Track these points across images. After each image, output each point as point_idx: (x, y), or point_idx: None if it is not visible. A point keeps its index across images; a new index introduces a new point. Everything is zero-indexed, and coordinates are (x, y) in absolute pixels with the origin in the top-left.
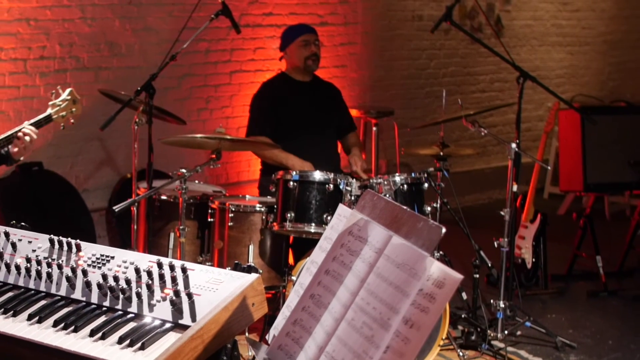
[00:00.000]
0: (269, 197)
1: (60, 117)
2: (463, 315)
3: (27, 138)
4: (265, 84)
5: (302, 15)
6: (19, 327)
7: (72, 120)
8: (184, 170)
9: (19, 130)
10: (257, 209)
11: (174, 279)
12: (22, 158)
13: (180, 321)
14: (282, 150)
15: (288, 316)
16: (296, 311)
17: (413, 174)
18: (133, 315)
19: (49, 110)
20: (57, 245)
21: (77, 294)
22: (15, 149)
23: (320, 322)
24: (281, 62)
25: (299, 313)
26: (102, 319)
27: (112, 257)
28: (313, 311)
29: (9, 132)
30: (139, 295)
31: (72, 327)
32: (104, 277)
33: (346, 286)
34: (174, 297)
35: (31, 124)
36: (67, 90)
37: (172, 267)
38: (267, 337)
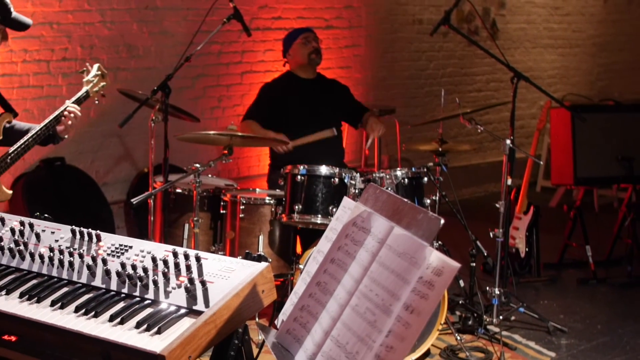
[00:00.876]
0: (277, 190)
1: (94, 93)
2: (460, 302)
3: (72, 115)
4: (274, 80)
5: (309, 19)
6: (42, 312)
7: (102, 94)
8: (197, 165)
9: (65, 110)
10: (267, 201)
11: (188, 268)
12: (67, 136)
13: (194, 307)
14: (260, 127)
15: (296, 302)
16: (303, 298)
17: (413, 169)
18: (150, 301)
19: (86, 88)
20: (78, 236)
21: (98, 282)
22: (62, 127)
23: (326, 308)
24: (286, 67)
25: (306, 299)
26: (121, 305)
27: (130, 247)
28: (319, 297)
29: (57, 112)
30: (155, 282)
31: (93, 313)
32: (123, 265)
33: (350, 274)
34: (188, 285)
35: (74, 102)
36: (96, 66)
37: (186, 256)
38: (276, 322)
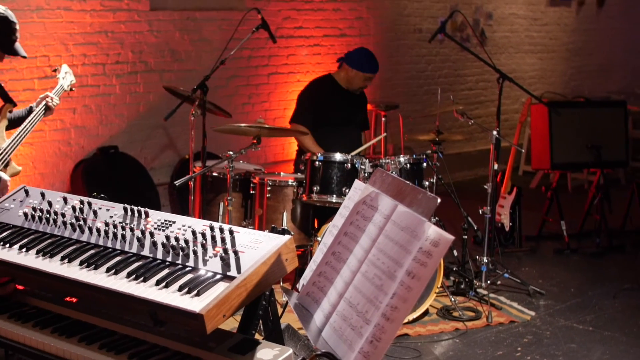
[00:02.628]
0: (299, 173)
1: (67, 87)
2: (454, 269)
3: (55, 103)
4: (313, 83)
5: (326, 29)
6: (99, 277)
7: (72, 88)
8: (231, 153)
9: (49, 98)
10: (290, 183)
11: (223, 240)
12: None
13: (228, 273)
14: (314, 142)
15: (314, 269)
16: (321, 265)
17: (414, 155)
18: (190, 268)
19: (61, 83)
20: (129, 213)
21: (146, 251)
22: (50, 112)
23: (340, 273)
24: (333, 64)
25: (323, 267)
26: (166, 271)
27: (174, 222)
28: (334, 265)
29: (44, 102)
30: (195, 252)
31: (142, 278)
32: (167, 238)
33: (361, 245)
34: (223, 254)
35: (54, 94)
36: (64, 66)
37: (221, 230)
38: (297, 285)
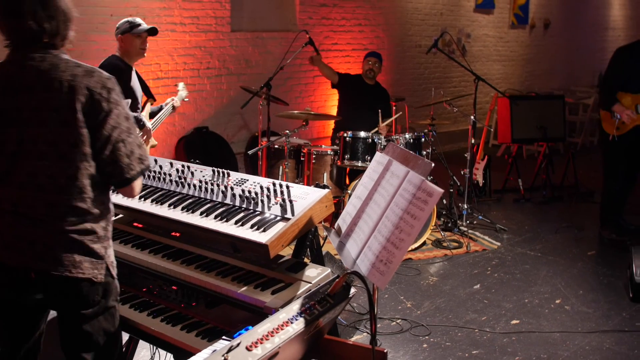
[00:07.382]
0: (335, 146)
1: (185, 99)
2: (444, 212)
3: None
4: (348, 74)
5: (354, 44)
6: (195, 219)
7: (187, 99)
8: (287, 131)
9: (173, 104)
10: (329, 152)
11: (282, 192)
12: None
13: (285, 216)
14: (326, 66)
15: (353, 216)
16: (359, 213)
17: (416, 133)
18: (259, 212)
19: (182, 95)
20: (216, 173)
21: (228, 200)
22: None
23: (370, 217)
24: (359, 70)
25: (360, 213)
26: (241, 214)
27: (247, 180)
28: (367, 213)
29: (169, 106)
30: (262, 201)
31: (225, 219)
32: (243, 191)
33: (383, 196)
34: (282, 202)
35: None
36: (181, 84)
37: (280, 185)
38: (335, 225)
